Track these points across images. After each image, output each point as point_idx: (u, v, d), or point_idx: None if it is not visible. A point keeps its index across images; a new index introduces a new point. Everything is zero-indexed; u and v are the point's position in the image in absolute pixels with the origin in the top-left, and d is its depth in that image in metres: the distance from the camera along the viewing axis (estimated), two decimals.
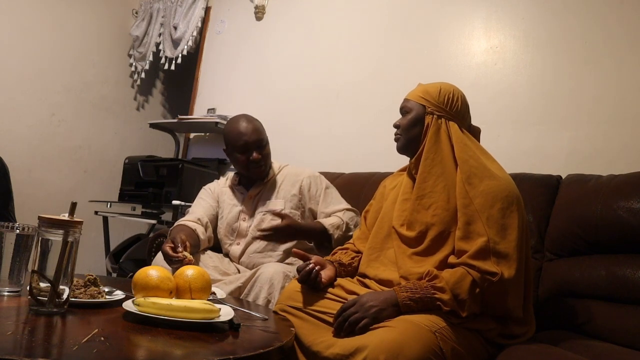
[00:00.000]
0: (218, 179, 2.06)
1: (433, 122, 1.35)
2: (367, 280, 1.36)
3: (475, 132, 1.42)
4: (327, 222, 1.71)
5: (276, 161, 1.94)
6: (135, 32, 3.68)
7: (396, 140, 1.43)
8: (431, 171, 1.33)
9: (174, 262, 1.50)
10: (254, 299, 1.51)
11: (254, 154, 1.77)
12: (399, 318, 1.13)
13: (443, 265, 1.25)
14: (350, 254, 1.51)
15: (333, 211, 1.80)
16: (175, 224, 1.80)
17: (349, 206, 1.83)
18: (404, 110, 1.42)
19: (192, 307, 1.05)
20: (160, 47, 3.55)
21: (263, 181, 1.85)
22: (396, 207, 1.39)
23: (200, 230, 1.75)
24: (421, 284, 1.19)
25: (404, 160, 1.47)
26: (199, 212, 1.83)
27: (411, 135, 1.38)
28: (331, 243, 1.67)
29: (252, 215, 1.83)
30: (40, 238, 1.03)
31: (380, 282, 1.33)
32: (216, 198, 1.90)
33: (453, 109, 1.37)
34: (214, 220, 1.87)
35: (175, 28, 3.43)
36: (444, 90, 1.38)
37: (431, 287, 1.17)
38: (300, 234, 1.68)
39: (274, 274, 1.51)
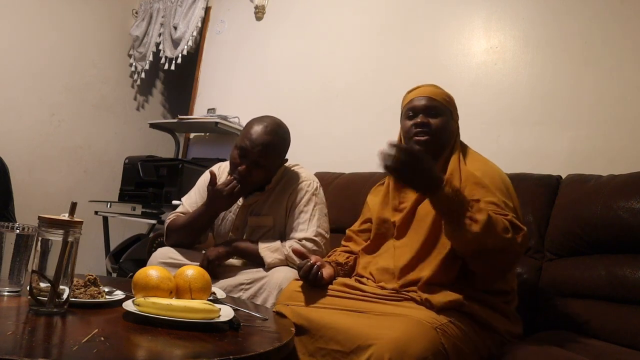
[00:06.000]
0: None
1: (457, 130, 1.41)
2: (364, 280, 1.38)
3: None
4: (264, 245, 1.60)
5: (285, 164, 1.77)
6: (135, 32, 3.68)
7: (425, 140, 1.36)
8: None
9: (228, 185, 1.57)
10: (262, 304, 1.48)
11: (243, 166, 1.60)
12: (401, 314, 1.14)
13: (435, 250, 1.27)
14: (345, 254, 1.53)
15: (293, 238, 1.62)
16: (172, 216, 1.75)
17: (312, 236, 1.61)
18: (433, 112, 1.36)
19: (192, 307, 1.05)
20: (160, 47, 3.55)
21: (264, 191, 1.71)
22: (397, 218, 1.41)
23: None
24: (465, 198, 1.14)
25: None
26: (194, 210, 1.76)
27: (444, 139, 1.36)
28: (263, 264, 1.57)
29: (242, 229, 1.73)
30: (40, 238, 1.03)
31: (379, 270, 1.35)
32: None
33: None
34: None
35: (175, 28, 3.43)
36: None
37: (474, 202, 1.12)
38: (237, 253, 1.64)
39: (284, 279, 1.48)
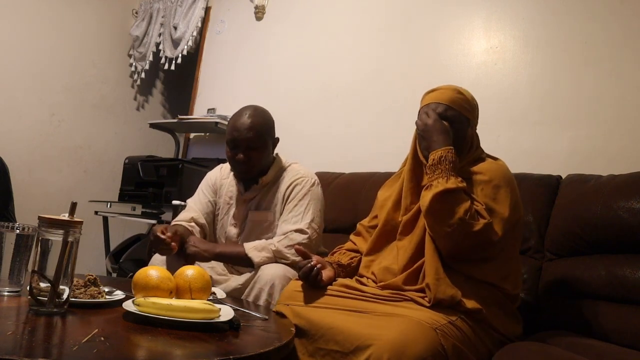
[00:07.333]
0: None
1: (474, 137, 1.39)
2: (364, 279, 1.38)
3: None
4: (250, 245, 1.60)
5: (282, 159, 1.79)
6: (135, 32, 3.68)
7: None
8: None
9: (162, 247, 1.51)
10: (255, 300, 1.49)
11: (239, 155, 1.65)
12: (400, 315, 1.14)
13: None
14: (349, 254, 1.52)
15: (283, 231, 1.63)
16: (172, 223, 1.77)
17: (303, 227, 1.62)
18: (448, 120, 1.32)
19: (192, 307, 1.05)
20: (160, 47, 3.55)
21: (259, 184, 1.73)
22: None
23: (195, 230, 1.72)
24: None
25: (403, 160, 1.47)
26: (195, 211, 1.78)
27: (457, 148, 1.31)
28: (252, 265, 1.57)
29: (242, 221, 1.75)
30: (40, 238, 1.03)
31: (381, 270, 1.34)
32: (216, 191, 1.83)
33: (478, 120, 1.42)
34: (211, 215, 1.82)
35: (175, 28, 3.43)
36: (474, 99, 1.40)
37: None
38: (220, 259, 1.64)
39: (275, 275, 1.48)
